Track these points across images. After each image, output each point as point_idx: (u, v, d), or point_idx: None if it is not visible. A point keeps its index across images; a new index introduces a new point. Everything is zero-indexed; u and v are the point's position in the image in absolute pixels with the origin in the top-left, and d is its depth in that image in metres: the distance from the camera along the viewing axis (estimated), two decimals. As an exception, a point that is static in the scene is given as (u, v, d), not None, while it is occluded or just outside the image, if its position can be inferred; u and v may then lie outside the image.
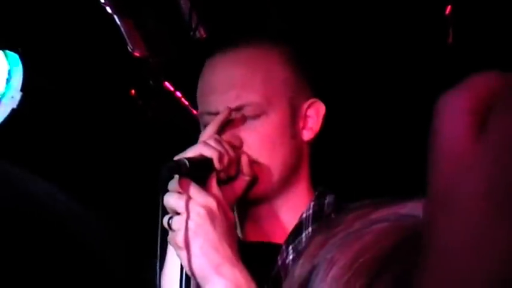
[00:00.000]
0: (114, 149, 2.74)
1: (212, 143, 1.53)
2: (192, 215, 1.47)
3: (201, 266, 1.46)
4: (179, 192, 1.49)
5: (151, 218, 1.52)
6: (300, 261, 0.55)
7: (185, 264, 1.46)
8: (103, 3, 2.37)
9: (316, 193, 1.64)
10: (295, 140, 1.62)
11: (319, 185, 1.66)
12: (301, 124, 1.63)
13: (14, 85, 2.36)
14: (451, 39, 2.56)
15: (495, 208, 0.34)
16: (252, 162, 1.58)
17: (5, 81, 2.34)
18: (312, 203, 1.63)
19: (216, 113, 1.59)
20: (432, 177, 0.37)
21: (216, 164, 1.51)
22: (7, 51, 2.38)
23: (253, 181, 1.59)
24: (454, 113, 0.37)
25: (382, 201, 0.56)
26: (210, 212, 1.47)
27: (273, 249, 1.59)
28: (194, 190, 1.48)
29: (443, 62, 2.52)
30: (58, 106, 2.56)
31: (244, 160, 1.57)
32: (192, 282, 1.47)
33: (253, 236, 1.65)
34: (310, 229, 1.58)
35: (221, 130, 1.57)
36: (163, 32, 2.58)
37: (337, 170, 2.42)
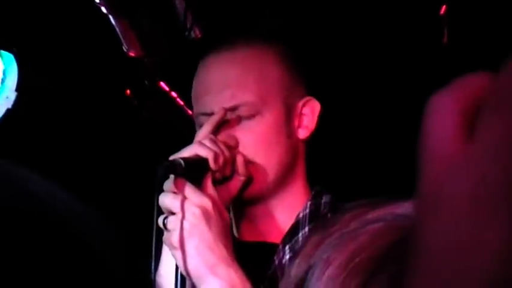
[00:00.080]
0: (109, 148, 2.74)
1: (207, 143, 1.53)
2: (187, 215, 1.47)
3: (196, 266, 1.46)
4: (174, 192, 1.48)
5: (146, 218, 1.51)
6: (296, 261, 0.55)
7: (180, 264, 1.46)
8: (98, 3, 2.37)
9: (313, 193, 1.64)
10: (290, 139, 1.62)
11: (315, 184, 1.66)
12: (296, 123, 1.63)
13: (9, 85, 2.35)
14: (446, 38, 2.57)
15: (484, 209, 0.34)
16: (248, 162, 1.58)
17: (-1, 81, 2.34)
18: (309, 203, 1.63)
19: (211, 114, 1.59)
20: (422, 177, 0.37)
21: (212, 164, 1.51)
22: (2, 51, 2.38)
23: (249, 181, 1.59)
24: (444, 114, 0.37)
25: (378, 201, 0.56)
26: (205, 212, 1.47)
27: (269, 249, 1.59)
28: (189, 190, 1.48)
29: (438, 62, 2.52)
30: (53, 106, 2.56)
31: (239, 160, 1.57)
32: (187, 283, 1.47)
33: (249, 236, 1.65)
34: (306, 229, 1.58)
35: (216, 130, 1.57)
36: (158, 32, 2.58)
37: (334, 169, 2.42)
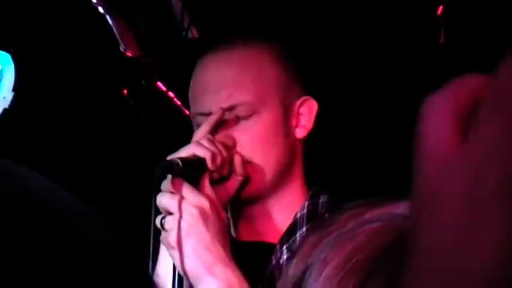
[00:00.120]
0: (107, 149, 2.74)
1: (205, 143, 1.53)
2: (184, 215, 1.47)
3: (194, 266, 1.46)
4: (172, 192, 1.49)
5: (143, 217, 1.52)
6: (294, 261, 0.55)
7: (178, 264, 1.46)
8: (95, 3, 2.37)
9: (311, 192, 1.64)
10: (288, 139, 1.62)
11: (313, 184, 1.67)
12: (293, 122, 1.63)
13: (6, 85, 2.35)
14: (443, 39, 2.57)
15: (480, 208, 0.35)
16: (245, 162, 1.58)
17: (-4, 81, 2.34)
18: (306, 203, 1.63)
19: (209, 113, 1.59)
20: (417, 178, 0.37)
21: (209, 164, 1.52)
22: (-1, 51, 2.37)
23: (246, 181, 1.59)
24: (439, 114, 0.37)
25: (376, 201, 0.56)
26: (202, 212, 1.47)
27: (266, 249, 1.59)
28: (187, 190, 1.48)
29: (435, 62, 2.52)
30: (50, 106, 2.56)
31: (237, 160, 1.57)
32: (185, 282, 1.47)
33: (247, 236, 1.65)
34: (304, 229, 1.59)
35: (214, 130, 1.57)
36: (156, 32, 2.58)
37: (332, 168, 2.42)
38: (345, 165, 2.66)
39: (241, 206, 1.64)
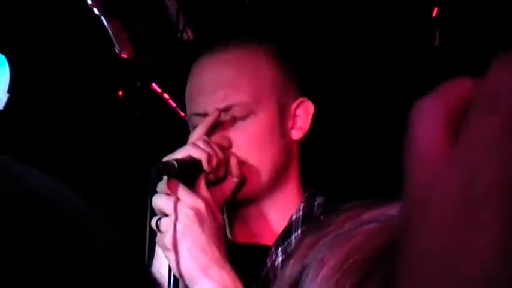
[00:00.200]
0: (102, 150, 2.73)
1: (201, 144, 1.53)
2: (180, 216, 1.47)
3: (189, 268, 1.46)
4: (167, 194, 1.49)
5: (139, 219, 1.51)
6: (291, 262, 0.55)
7: (173, 265, 1.46)
8: (90, 4, 2.37)
9: (306, 194, 1.64)
10: (284, 139, 1.62)
11: (309, 186, 1.66)
12: (290, 123, 1.63)
13: (0, 87, 2.35)
14: (438, 41, 2.57)
15: (474, 209, 0.35)
16: (241, 163, 1.58)
17: (-9, 82, 2.34)
18: (302, 205, 1.63)
19: (205, 114, 1.59)
20: (407, 181, 0.37)
21: (205, 166, 1.51)
22: (-6, 53, 2.37)
23: (242, 182, 1.59)
24: (429, 118, 0.37)
25: (373, 202, 0.56)
26: (198, 214, 1.47)
27: (261, 251, 1.59)
28: (182, 192, 1.48)
29: (430, 64, 2.53)
30: (45, 108, 2.56)
31: (233, 161, 1.57)
32: (180, 284, 1.47)
33: (242, 237, 1.65)
34: (299, 231, 1.59)
35: (210, 131, 1.57)
36: (151, 33, 2.58)
37: (328, 170, 2.43)
38: (341, 166, 2.66)
39: (237, 207, 1.64)
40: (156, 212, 1.49)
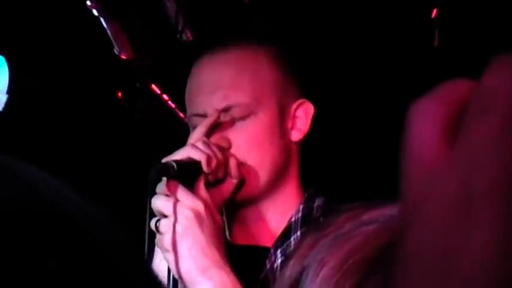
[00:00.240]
0: (101, 151, 2.73)
1: (200, 145, 1.53)
2: (179, 218, 1.47)
3: (189, 269, 1.46)
4: (167, 195, 1.48)
5: (138, 220, 1.51)
6: (291, 262, 0.55)
7: (172, 267, 1.46)
8: (89, 5, 2.37)
9: (306, 195, 1.64)
10: (283, 140, 1.62)
11: (309, 187, 1.66)
12: (289, 124, 1.63)
13: (0, 88, 2.35)
14: (437, 41, 2.58)
15: (472, 210, 0.35)
16: (240, 164, 1.58)
17: (-10, 83, 2.34)
18: (301, 206, 1.62)
19: (204, 114, 1.59)
20: (405, 183, 0.37)
21: (204, 167, 1.51)
22: (-7, 54, 2.37)
23: (241, 183, 1.59)
24: (426, 119, 0.37)
25: (373, 203, 0.56)
26: (197, 215, 1.47)
27: (261, 253, 1.59)
28: (182, 193, 1.48)
29: (429, 64, 2.53)
30: (45, 109, 2.56)
31: (232, 163, 1.56)
32: (180, 285, 1.47)
33: (241, 239, 1.64)
34: (298, 233, 1.58)
35: (209, 132, 1.57)
36: (150, 34, 2.58)
37: (328, 171, 2.43)
38: (340, 167, 2.66)
39: (236, 208, 1.63)
40: (155, 213, 1.49)
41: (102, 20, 2.43)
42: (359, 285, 0.51)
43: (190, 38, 2.53)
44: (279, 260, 1.57)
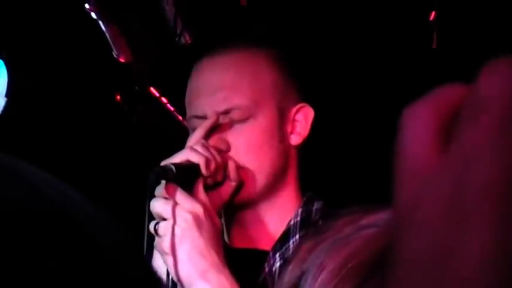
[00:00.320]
0: (100, 154, 2.73)
1: (199, 148, 1.52)
2: (178, 220, 1.46)
3: (187, 272, 1.46)
4: (165, 198, 1.48)
5: (137, 223, 1.51)
6: (290, 267, 0.55)
7: (171, 270, 1.46)
8: (88, 8, 2.37)
9: (305, 199, 1.64)
10: (282, 144, 1.62)
11: (308, 190, 1.66)
12: (289, 128, 1.63)
13: (-1, 91, 2.35)
14: (435, 44, 2.58)
15: (465, 214, 0.35)
16: (239, 167, 1.58)
17: (-11, 87, 2.34)
18: (300, 210, 1.62)
19: (204, 117, 1.59)
20: (397, 187, 0.37)
21: (203, 170, 1.51)
22: (-9, 57, 2.37)
23: (240, 186, 1.58)
24: (419, 123, 0.37)
25: (371, 207, 0.56)
26: (196, 218, 1.47)
27: (259, 256, 1.59)
28: (181, 196, 1.48)
29: (428, 67, 2.53)
30: (43, 112, 2.56)
31: (231, 166, 1.56)
32: (178, 288, 1.47)
33: (240, 242, 1.64)
34: (297, 236, 1.58)
35: (208, 134, 1.57)
36: (148, 37, 2.58)
37: (327, 175, 2.43)
38: (339, 171, 2.66)
39: (235, 211, 1.63)
40: (154, 216, 1.49)
41: (100, 23, 2.43)
42: (357, 289, 0.51)
43: (189, 41, 2.53)
44: (278, 264, 1.56)
